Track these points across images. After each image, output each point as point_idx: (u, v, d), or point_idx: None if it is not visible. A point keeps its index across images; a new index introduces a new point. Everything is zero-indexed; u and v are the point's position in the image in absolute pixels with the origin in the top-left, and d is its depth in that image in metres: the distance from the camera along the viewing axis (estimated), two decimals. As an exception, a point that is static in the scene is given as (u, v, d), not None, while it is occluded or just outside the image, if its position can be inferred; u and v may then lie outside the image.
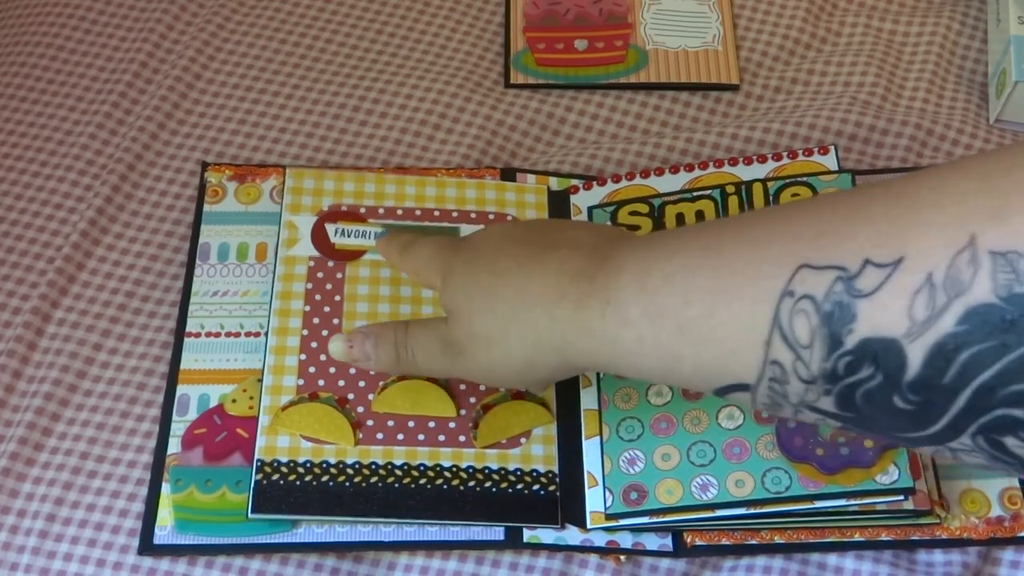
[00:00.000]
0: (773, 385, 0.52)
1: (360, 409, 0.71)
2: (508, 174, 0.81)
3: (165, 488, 0.69)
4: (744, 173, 0.77)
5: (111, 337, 0.76)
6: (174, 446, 0.71)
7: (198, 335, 0.74)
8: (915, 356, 0.46)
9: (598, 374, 0.72)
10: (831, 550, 0.68)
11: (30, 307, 0.76)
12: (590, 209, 0.78)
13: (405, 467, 0.69)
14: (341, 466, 0.69)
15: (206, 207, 0.79)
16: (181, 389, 0.73)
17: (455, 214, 0.78)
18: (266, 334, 0.73)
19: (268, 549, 0.68)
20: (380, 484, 0.69)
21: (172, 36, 0.89)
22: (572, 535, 0.69)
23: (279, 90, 0.87)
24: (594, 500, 0.69)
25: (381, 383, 0.72)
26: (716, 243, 0.54)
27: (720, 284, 0.53)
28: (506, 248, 0.63)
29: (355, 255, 0.76)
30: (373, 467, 0.69)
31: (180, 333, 0.74)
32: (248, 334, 0.74)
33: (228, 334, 0.74)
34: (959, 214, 0.45)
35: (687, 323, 0.54)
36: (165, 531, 0.68)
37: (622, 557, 0.68)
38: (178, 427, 0.71)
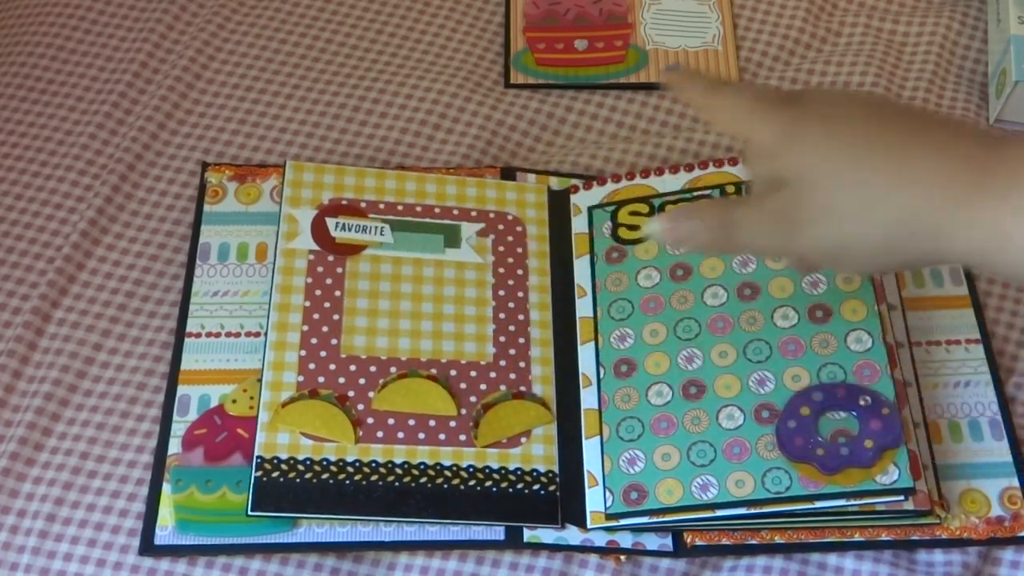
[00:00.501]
0: None
1: (360, 407, 0.71)
2: (508, 173, 0.81)
3: (166, 488, 0.69)
4: (743, 172, 0.77)
5: (111, 337, 0.76)
6: (175, 446, 0.71)
7: (198, 335, 0.74)
8: None
9: (598, 374, 0.72)
10: (831, 550, 0.68)
11: (30, 307, 0.76)
12: (590, 209, 0.78)
13: (405, 466, 0.69)
14: (341, 464, 0.69)
15: (206, 207, 0.79)
16: (181, 389, 0.73)
17: (456, 211, 0.78)
18: (265, 330, 0.73)
19: (269, 549, 0.68)
20: (380, 483, 0.69)
21: (172, 36, 0.89)
22: (572, 535, 0.69)
23: (279, 90, 0.87)
24: (594, 500, 0.69)
25: (381, 380, 0.72)
26: None
27: None
28: (872, 117, 0.58)
29: (355, 249, 0.76)
30: (373, 465, 0.69)
31: (180, 333, 0.74)
32: (248, 334, 0.74)
33: (228, 334, 0.74)
34: None
35: None
36: (166, 531, 0.68)
37: (622, 557, 0.68)
38: (178, 427, 0.71)
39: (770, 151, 0.59)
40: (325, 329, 0.73)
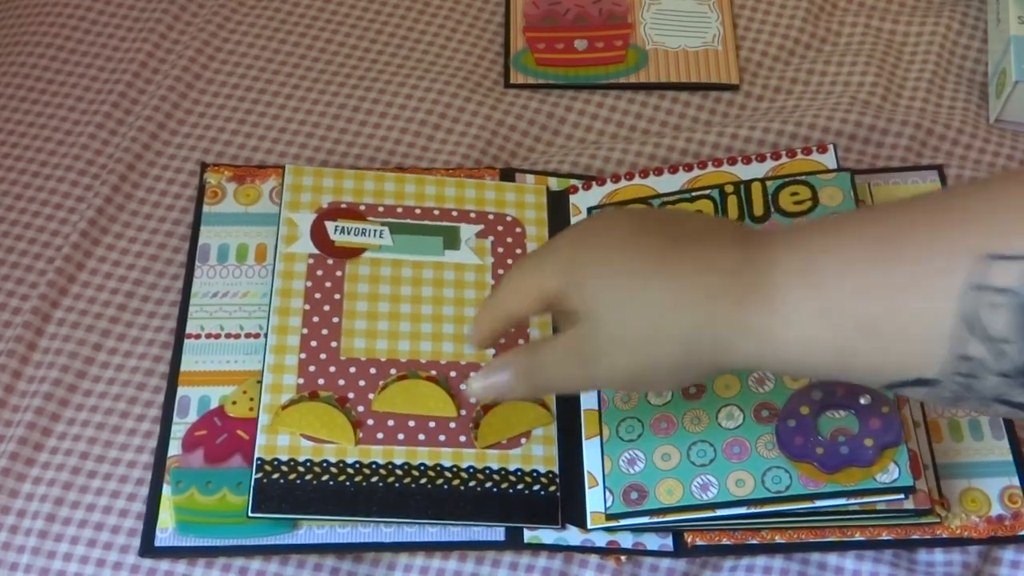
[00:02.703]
0: (959, 379, 0.50)
1: (360, 408, 0.71)
2: (507, 174, 0.81)
3: (166, 490, 0.69)
4: (743, 172, 0.78)
5: (111, 337, 0.76)
6: (175, 448, 0.71)
7: (198, 336, 0.74)
8: None
9: None
10: (831, 550, 0.68)
11: (30, 307, 0.76)
12: (589, 209, 0.78)
13: (405, 467, 0.69)
14: (341, 465, 0.69)
15: (205, 208, 0.79)
16: (181, 391, 0.73)
17: (455, 213, 0.78)
18: (266, 333, 0.73)
19: (269, 551, 0.68)
20: (380, 484, 0.69)
21: (172, 36, 0.89)
22: (572, 535, 0.69)
23: (279, 90, 0.87)
24: (594, 500, 0.69)
25: (381, 382, 0.72)
26: (889, 232, 0.52)
27: (900, 278, 0.51)
28: (638, 244, 0.59)
29: (355, 253, 0.76)
30: (373, 467, 0.69)
31: (180, 335, 0.74)
32: (248, 335, 0.74)
33: (228, 336, 0.74)
34: None
35: (867, 321, 0.52)
36: (166, 533, 0.68)
37: (623, 557, 0.68)
38: (178, 429, 0.71)
39: (560, 294, 0.61)
40: (325, 332, 0.73)
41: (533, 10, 0.91)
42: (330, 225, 0.77)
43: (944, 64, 0.89)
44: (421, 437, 0.70)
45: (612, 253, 0.59)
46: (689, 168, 0.79)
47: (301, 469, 0.69)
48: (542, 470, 0.70)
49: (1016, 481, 0.70)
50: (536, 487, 0.70)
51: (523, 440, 0.71)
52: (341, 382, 0.72)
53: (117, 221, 0.80)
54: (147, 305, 0.77)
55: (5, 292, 0.77)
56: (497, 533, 0.69)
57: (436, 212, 0.78)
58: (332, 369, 0.72)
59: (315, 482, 0.69)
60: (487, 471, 0.70)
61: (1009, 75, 0.83)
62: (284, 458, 0.69)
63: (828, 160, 0.77)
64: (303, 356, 0.72)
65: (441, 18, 0.91)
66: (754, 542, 0.68)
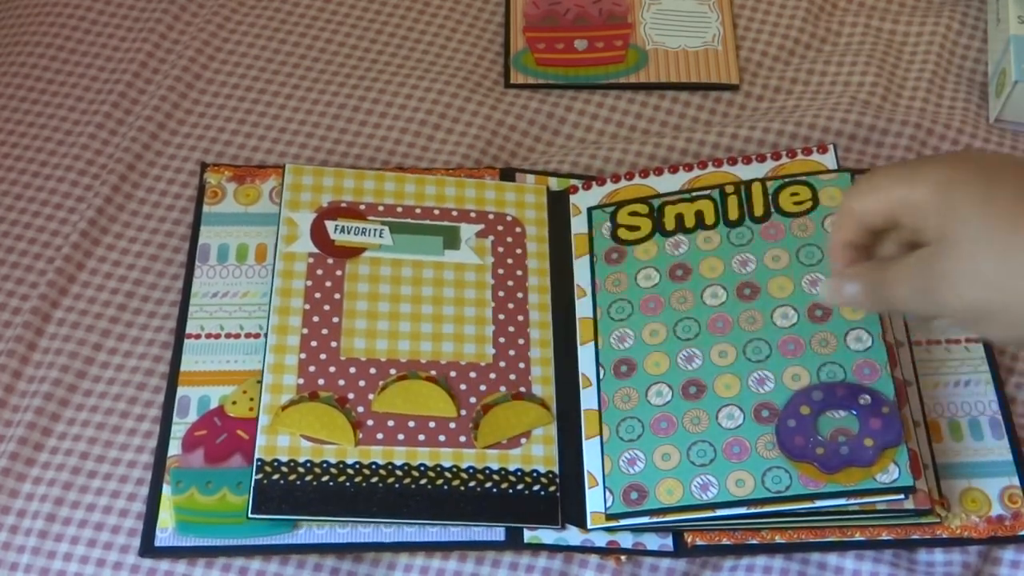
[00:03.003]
0: None
1: (360, 409, 0.71)
2: (507, 174, 0.81)
3: (166, 490, 0.70)
4: (743, 172, 0.78)
5: (111, 337, 0.76)
6: (175, 448, 0.71)
7: (198, 336, 0.74)
8: None
9: (598, 374, 0.72)
10: (831, 550, 0.68)
11: (30, 307, 0.76)
12: (590, 210, 0.78)
13: (405, 467, 0.69)
14: (341, 466, 0.69)
15: (205, 208, 0.79)
16: (181, 391, 0.73)
17: (455, 213, 0.78)
18: (265, 333, 0.73)
19: (269, 551, 0.68)
20: (380, 484, 0.69)
21: (172, 36, 0.89)
22: (572, 535, 0.69)
23: (279, 90, 0.87)
24: (594, 500, 0.69)
25: (381, 382, 0.72)
26: None
27: None
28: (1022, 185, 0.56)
29: (355, 252, 0.76)
30: (373, 467, 0.69)
31: (180, 334, 0.74)
32: (248, 335, 0.74)
33: (228, 335, 0.74)
34: None
35: None
36: (166, 533, 0.68)
37: (623, 557, 0.68)
38: (178, 429, 0.71)
39: (923, 209, 0.58)
40: (325, 332, 0.73)
41: (533, 10, 0.91)
42: (330, 224, 0.77)
43: (944, 64, 0.89)
44: (421, 437, 0.70)
45: (995, 187, 0.56)
46: (689, 168, 0.79)
47: (301, 470, 0.69)
48: (542, 470, 0.70)
49: (1016, 481, 0.70)
50: (536, 487, 0.70)
51: (523, 440, 0.71)
52: (341, 382, 0.72)
53: (117, 221, 0.80)
54: (147, 305, 0.77)
55: (5, 292, 0.77)
56: (497, 533, 0.69)
57: (436, 212, 0.78)
58: (332, 369, 0.72)
59: (315, 483, 0.69)
60: (487, 471, 0.70)
61: (1009, 75, 0.83)
62: (284, 459, 0.69)
63: (828, 160, 0.77)
64: (303, 356, 0.72)
65: (441, 18, 0.91)
66: (754, 542, 0.68)
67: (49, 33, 0.89)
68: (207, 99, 0.86)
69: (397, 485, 0.69)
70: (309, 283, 0.74)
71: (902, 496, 0.65)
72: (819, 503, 0.66)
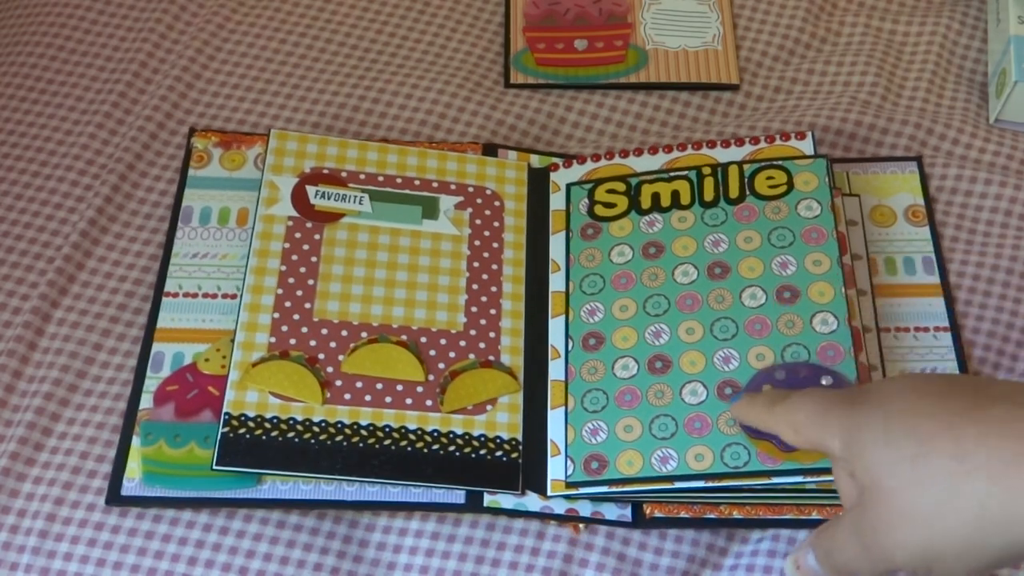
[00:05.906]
0: None
1: (329, 369, 0.72)
2: (490, 149, 0.81)
3: (135, 441, 0.70)
4: (721, 155, 0.78)
5: (111, 337, 0.76)
6: (146, 401, 0.72)
7: (176, 295, 0.75)
8: None
9: (567, 346, 0.73)
10: (789, 527, 0.69)
11: (30, 307, 0.76)
12: (569, 186, 0.78)
13: (371, 427, 0.70)
14: (308, 423, 0.70)
15: (191, 171, 0.80)
16: (156, 347, 0.74)
17: (435, 184, 0.78)
18: (241, 292, 0.74)
19: (233, 504, 0.69)
20: (345, 443, 0.69)
21: (172, 36, 0.89)
22: (532, 501, 0.69)
23: (279, 90, 0.87)
24: (556, 468, 0.70)
25: (352, 344, 0.72)
26: None
27: None
28: (922, 406, 0.54)
29: (334, 217, 0.76)
30: (339, 426, 0.70)
31: (158, 292, 0.75)
32: (225, 296, 0.75)
33: (205, 295, 0.75)
34: None
35: None
36: (133, 483, 0.69)
37: (581, 525, 0.69)
38: (151, 383, 0.72)
39: (839, 460, 0.57)
40: (299, 293, 0.74)
41: (533, 10, 0.91)
42: (311, 189, 0.77)
43: (944, 64, 0.89)
44: (388, 399, 0.71)
45: (890, 417, 0.55)
46: (669, 149, 0.79)
47: (268, 425, 0.69)
48: (505, 437, 0.71)
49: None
50: (499, 453, 0.70)
51: (489, 407, 0.72)
52: (312, 343, 0.72)
53: (117, 221, 0.80)
54: (147, 305, 0.77)
55: (5, 292, 0.77)
56: (457, 496, 0.69)
57: (417, 182, 0.78)
58: (304, 330, 0.73)
59: (281, 439, 0.69)
60: (451, 435, 0.70)
61: (1009, 75, 0.83)
62: (251, 414, 0.70)
63: (806, 147, 0.77)
64: (276, 316, 0.73)
65: (441, 18, 0.91)
66: (712, 516, 0.69)
67: (49, 33, 0.89)
68: (207, 99, 0.86)
69: (361, 444, 0.69)
70: (287, 245, 0.75)
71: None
72: (776, 480, 0.66)
